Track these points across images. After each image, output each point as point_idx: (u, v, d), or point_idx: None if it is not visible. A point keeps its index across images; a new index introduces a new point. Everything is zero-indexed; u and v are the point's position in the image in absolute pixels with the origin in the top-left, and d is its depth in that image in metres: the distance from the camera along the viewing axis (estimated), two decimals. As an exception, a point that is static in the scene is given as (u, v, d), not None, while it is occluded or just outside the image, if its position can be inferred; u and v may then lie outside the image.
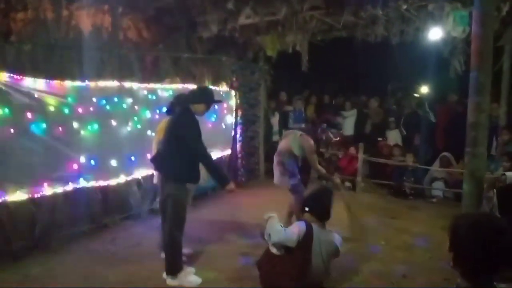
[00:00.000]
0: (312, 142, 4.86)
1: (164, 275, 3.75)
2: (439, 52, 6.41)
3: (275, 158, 5.02)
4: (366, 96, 8.65)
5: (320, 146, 4.95)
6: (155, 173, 4.41)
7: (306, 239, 3.47)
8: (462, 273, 1.52)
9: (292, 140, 4.88)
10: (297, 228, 3.54)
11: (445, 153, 7.05)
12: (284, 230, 3.53)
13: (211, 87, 6.56)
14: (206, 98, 3.83)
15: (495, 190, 3.41)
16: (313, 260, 3.49)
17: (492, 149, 6.39)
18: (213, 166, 3.73)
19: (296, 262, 3.45)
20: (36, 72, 4.27)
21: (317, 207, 3.69)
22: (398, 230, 5.30)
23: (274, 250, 3.56)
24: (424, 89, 8.73)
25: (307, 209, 3.71)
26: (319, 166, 4.90)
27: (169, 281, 3.71)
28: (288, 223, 4.63)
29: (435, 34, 5.80)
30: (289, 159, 4.85)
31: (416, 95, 8.12)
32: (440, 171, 6.99)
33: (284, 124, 8.62)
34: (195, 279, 3.76)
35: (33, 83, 4.20)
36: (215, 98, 3.95)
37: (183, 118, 3.68)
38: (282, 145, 5.00)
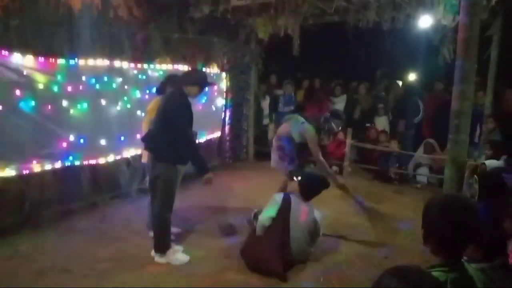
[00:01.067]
0: (314, 132, 4.81)
1: (153, 252, 3.83)
2: (429, 40, 6.47)
3: (274, 142, 5.00)
4: (356, 82, 8.71)
5: (321, 136, 4.91)
6: (144, 152, 4.44)
7: (284, 208, 3.67)
8: (432, 250, 1.61)
9: (293, 126, 4.86)
10: (272, 202, 3.78)
11: (429, 139, 7.17)
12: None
13: (203, 69, 6.57)
14: (200, 81, 3.84)
15: (476, 177, 3.54)
16: (292, 229, 3.66)
17: (475, 137, 6.53)
18: (195, 154, 3.73)
19: (277, 229, 3.63)
20: (24, 48, 4.21)
21: (306, 184, 3.92)
22: (382, 214, 5.44)
23: (259, 232, 3.74)
24: (412, 77, 8.81)
25: (299, 178, 3.91)
26: (321, 158, 4.74)
27: (157, 258, 3.79)
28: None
29: (425, 21, 5.85)
30: (288, 144, 4.84)
31: (399, 83, 8.16)
32: (425, 157, 7.14)
33: (274, 108, 8.66)
34: (182, 257, 3.84)
35: (22, 60, 4.15)
36: (209, 81, 3.96)
37: (176, 99, 3.69)
38: (282, 129, 4.96)
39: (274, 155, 4.97)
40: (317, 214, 3.97)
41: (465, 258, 2.28)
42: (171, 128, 3.61)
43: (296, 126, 4.83)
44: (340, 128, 5.28)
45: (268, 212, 3.82)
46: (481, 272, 2.41)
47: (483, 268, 2.49)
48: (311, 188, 4.05)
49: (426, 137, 7.38)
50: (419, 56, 7.90)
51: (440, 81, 7.74)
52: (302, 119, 4.88)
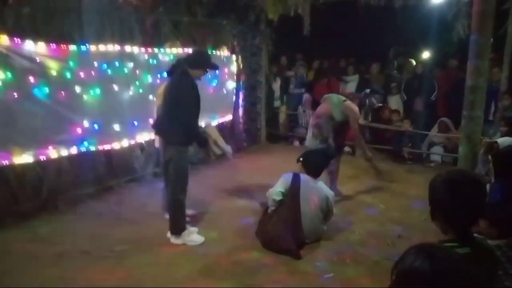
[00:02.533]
0: (357, 109, 4.86)
1: (168, 234, 3.90)
2: (442, 15, 6.32)
3: (312, 120, 5.07)
4: (368, 61, 8.59)
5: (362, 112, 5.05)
6: (156, 137, 4.49)
7: (294, 185, 3.73)
8: (441, 227, 1.60)
9: (334, 105, 4.87)
10: (281, 179, 3.85)
11: (443, 118, 7.08)
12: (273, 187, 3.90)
13: (209, 51, 6.54)
14: (203, 63, 3.84)
15: (490, 156, 3.50)
16: (302, 206, 3.71)
17: (490, 115, 6.41)
18: (195, 136, 3.79)
19: (288, 207, 3.68)
20: (36, 35, 4.25)
21: (310, 162, 3.96)
22: (396, 193, 5.43)
23: (271, 205, 3.80)
24: (426, 55, 8.63)
25: (301, 159, 3.97)
26: (359, 135, 4.98)
27: (173, 239, 3.86)
28: (335, 189, 4.86)
29: (439, -4, 5.71)
30: (326, 123, 4.85)
31: (413, 61, 8.01)
32: (439, 136, 7.06)
33: (285, 90, 8.62)
34: (198, 238, 3.91)
35: (34, 47, 4.19)
36: (212, 63, 3.93)
37: (182, 82, 3.70)
38: (321, 109, 4.99)
39: (309, 132, 5.05)
40: (328, 192, 3.99)
41: (478, 235, 2.28)
42: (178, 111, 3.63)
43: (337, 105, 4.85)
44: (380, 104, 5.36)
45: (278, 188, 3.86)
46: (497, 249, 2.41)
47: (498, 245, 2.48)
48: (317, 164, 4.07)
49: (440, 115, 7.28)
50: (432, 33, 7.72)
51: (454, 58, 7.58)
52: (343, 97, 4.94)
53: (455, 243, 1.52)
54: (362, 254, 3.76)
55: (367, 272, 3.42)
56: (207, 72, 3.91)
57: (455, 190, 1.54)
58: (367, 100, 4.98)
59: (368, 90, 5.08)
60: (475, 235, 1.65)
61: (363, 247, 3.89)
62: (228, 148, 4.12)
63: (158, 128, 3.95)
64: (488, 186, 3.73)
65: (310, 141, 4.95)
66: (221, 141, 4.05)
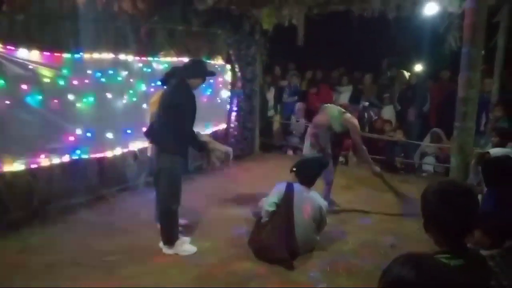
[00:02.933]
0: (356, 121, 4.88)
1: (161, 244, 3.86)
2: (434, 28, 6.40)
3: (310, 130, 5.08)
4: (361, 71, 8.66)
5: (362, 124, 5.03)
6: (149, 146, 4.47)
7: (287, 195, 3.72)
8: (434, 239, 1.58)
9: (333, 116, 4.89)
10: (274, 190, 3.87)
11: (435, 129, 7.14)
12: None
13: (205, 60, 6.55)
14: (201, 72, 3.85)
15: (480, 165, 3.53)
16: (296, 215, 3.71)
17: (481, 125, 6.48)
18: (194, 142, 3.77)
19: (282, 217, 3.68)
20: (30, 43, 4.23)
21: (303, 171, 3.96)
22: (388, 203, 5.44)
23: (264, 217, 3.79)
24: (419, 67, 8.73)
25: (294, 169, 3.97)
26: (363, 147, 4.93)
27: (166, 250, 3.83)
28: (328, 198, 4.82)
29: (431, 9, 5.79)
30: (324, 133, 4.87)
31: (406, 73, 8.10)
32: (431, 146, 7.11)
33: (278, 99, 8.65)
34: (190, 248, 3.88)
35: (28, 54, 4.18)
36: (210, 71, 3.97)
37: (180, 91, 3.70)
38: (320, 118, 5.01)
39: (306, 142, 5.05)
40: (322, 202, 3.99)
41: (469, 245, 2.28)
42: (175, 120, 3.62)
43: (337, 117, 4.86)
44: (377, 117, 5.35)
45: (271, 199, 3.85)
46: (490, 259, 2.41)
47: (492, 254, 2.48)
48: (310, 173, 4.07)
49: (432, 126, 7.34)
50: (425, 44, 7.82)
51: (446, 70, 7.68)
52: (342, 109, 4.94)
53: (449, 254, 1.51)
54: (355, 264, 3.75)
55: (360, 282, 3.42)
56: (205, 80, 3.91)
57: (447, 201, 1.53)
58: (365, 114, 5.00)
59: (366, 103, 5.11)
60: (469, 245, 1.65)
61: (356, 257, 3.88)
62: (228, 148, 4.11)
63: (152, 136, 3.93)
64: (480, 196, 3.77)
65: (307, 150, 4.96)
66: (218, 144, 4.06)
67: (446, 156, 6.58)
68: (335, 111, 4.93)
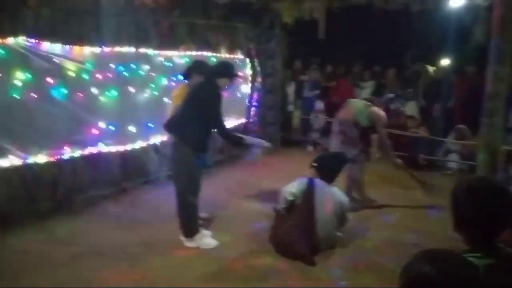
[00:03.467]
0: (383, 114, 4.82)
1: (182, 237, 3.89)
2: (460, 21, 6.24)
3: (335, 127, 5.00)
4: (383, 66, 8.51)
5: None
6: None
7: (309, 190, 3.69)
8: (464, 238, 1.51)
9: (359, 110, 4.85)
10: (296, 181, 3.83)
11: (460, 125, 6.97)
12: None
13: (228, 58, 6.56)
14: (230, 73, 3.97)
15: None
16: (317, 211, 3.67)
17: (510, 122, 6.29)
18: (231, 138, 4.05)
19: (303, 212, 3.65)
20: (54, 37, 4.31)
21: (324, 167, 3.91)
22: (412, 201, 5.35)
23: (282, 204, 3.80)
24: (444, 61, 8.52)
25: (315, 164, 3.93)
26: (388, 141, 4.90)
27: (187, 243, 3.85)
28: (349, 195, 4.76)
29: (457, 1, 5.64)
30: (351, 129, 4.83)
31: (430, 68, 7.92)
32: (455, 143, 6.95)
33: (298, 94, 8.58)
34: (211, 241, 3.89)
35: (52, 48, 4.24)
36: (236, 74, 4.13)
37: (211, 90, 3.78)
38: (345, 114, 4.95)
39: (334, 140, 4.97)
40: (343, 198, 3.94)
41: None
42: (202, 117, 3.68)
43: (363, 110, 4.81)
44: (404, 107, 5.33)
45: (291, 188, 3.84)
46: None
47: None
48: (331, 169, 4.03)
49: (457, 122, 7.17)
50: (449, 38, 7.63)
51: (472, 64, 7.47)
52: (367, 103, 4.89)
53: (477, 253, 1.44)
54: (377, 262, 3.70)
55: (382, 281, 3.36)
56: (232, 82, 4.05)
57: (477, 200, 1.46)
58: (392, 105, 4.94)
59: (392, 95, 5.04)
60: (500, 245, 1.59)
61: (379, 255, 3.83)
62: (265, 142, 4.23)
63: (173, 128, 3.94)
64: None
65: (341, 148, 4.86)
66: (253, 139, 4.21)
67: (471, 153, 6.42)
68: (361, 105, 4.87)
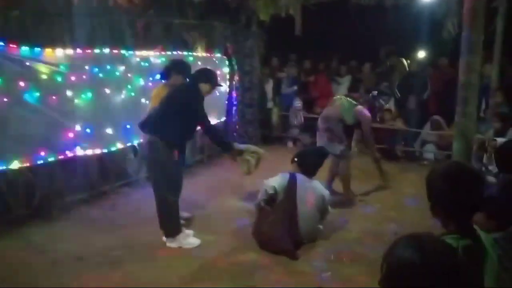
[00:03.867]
0: (369, 114, 4.90)
1: (164, 238, 3.86)
2: (433, 14, 6.37)
3: (321, 125, 5.04)
4: (358, 61, 8.62)
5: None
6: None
7: (290, 186, 3.71)
8: (442, 222, 1.60)
9: (345, 109, 4.90)
10: (278, 176, 3.84)
11: (435, 116, 7.12)
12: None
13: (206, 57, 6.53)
14: (213, 80, 3.98)
15: (490, 152, 3.53)
16: (299, 206, 3.69)
17: (481, 111, 6.46)
18: (219, 138, 4.10)
19: (285, 207, 3.66)
20: (25, 39, 4.19)
21: (305, 162, 3.95)
22: (390, 192, 5.45)
23: (266, 207, 3.76)
24: (418, 54, 8.68)
25: (296, 159, 3.96)
26: (372, 139, 5.05)
27: (169, 243, 3.83)
28: (330, 188, 4.85)
29: (428, -5, 5.75)
30: (337, 126, 4.89)
31: (405, 62, 8.08)
32: (431, 134, 7.10)
33: (277, 91, 8.61)
34: (194, 240, 3.88)
35: (23, 51, 4.13)
36: (218, 82, 4.18)
37: (193, 92, 3.81)
38: (330, 111, 5.01)
39: (320, 138, 5.03)
40: (324, 191, 3.98)
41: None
42: (181, 118, 3.67)
43: (349, 109, 4.87)
44: (387, 104, 5.48)
45: (273, 182, 3.84)
46: (494, 242, 2.42)
47: (496, 238, 2.50)
48: (312, 163, 4.07)
49: (432, 114, 7.32)
50: (423, 32, 7.78)
51: (444, 57, 7.64)
52: (353, 101, 4.94)
53: (456, 234, 1.52)
54: (359, 253, 3.76)
55: (364, 271, 3.42)
56: (214, 89, 4.07)
57: (453, 183, 1.55)
58: (376, 102, 5.02)
59: (375, 92, 5.11)
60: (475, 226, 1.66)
61: (360, 246, 3.89)
62: (259, 149, 4.24)
63: (150, 125, 3.88)
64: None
65: (327, 145, 4.91)
66: (250, 147, 4.20)
67: (447, 144, 6.58)
68: (346, 103, 4.93)
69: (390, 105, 7.82)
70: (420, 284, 1.05)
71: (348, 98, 5.07)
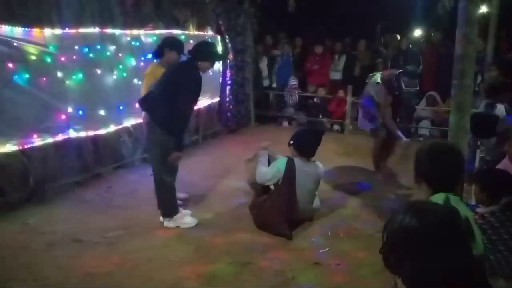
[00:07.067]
0: (385, 93, 4.71)
1: (161, 218, 3.85)
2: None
3: (360, 100, 5.15)
4: (353, 38, 8.51)
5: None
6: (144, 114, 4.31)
7: (289, 171, 3.64)
8: (425, 193, 1.87)
9: (371, 86, 4.87)
10: (274, 166, 3.75)
11: (431, 92, 7.10)
12: (265, 171, 3.78)
13: (198, 35, 6.41)
14: (211, 55, 3.81)
15: None
16: (298, 191, 3.65)
17: (476, 85, 6.44)
18: (181, 131, 3.71)
19: (283, 194, 3.63)
20: (12, 19, 4.07)
21: (300, 143, 3.84)
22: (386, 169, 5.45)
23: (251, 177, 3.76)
24: (413, 30, 8.58)
25: (291, 142, 3.86)
26: (390, 120, 4.76)
27: (166, 223, 3.82)
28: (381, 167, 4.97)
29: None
30: (369, 103, 4.87)
31: (398, 36, 7.99)
32: (427, 110, 7.09)
33: (271, 69, 8.51)
34: (191, 220, 3.87)
35: (11, 31, 4.02)
36: (219, 55, 3.96)
37: (188, 72, 3.61)
38: (366, 88, 5.01)
39: (360, 114, 5.18)
40: (321, 169, 3.92)
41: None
42: (176, 98, 3.52)
43: (373, 86, 4.83)
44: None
45: (270, 172, 3.77)
46: (491, 215, 2.49)
47: (492, 211, 2.54)
48: (308, 145, 3.87)
49: (427, 90, 7.29)
50: (418, 7, 7.69)
51: (438, 31, 7.57)
52: (378, 79, 4.83)
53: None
54: (356, 228, 3.78)
55: (361, 246, 3.45)
56: (214, 64, 3.89)
57: (435, 158, 1.84)
58: (395, 82, 4.80)
59: (396, 71, 4.95)
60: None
61: (357, 222, 3.92)
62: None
63: (148, 105, 3.81)
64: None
65: (360, 122, 5.03)
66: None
67: (442, 120, 6.58)
68: (373, 81, 4.87)
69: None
70: (421, 247, 1.06)
71: (378, 75, 4.94)
